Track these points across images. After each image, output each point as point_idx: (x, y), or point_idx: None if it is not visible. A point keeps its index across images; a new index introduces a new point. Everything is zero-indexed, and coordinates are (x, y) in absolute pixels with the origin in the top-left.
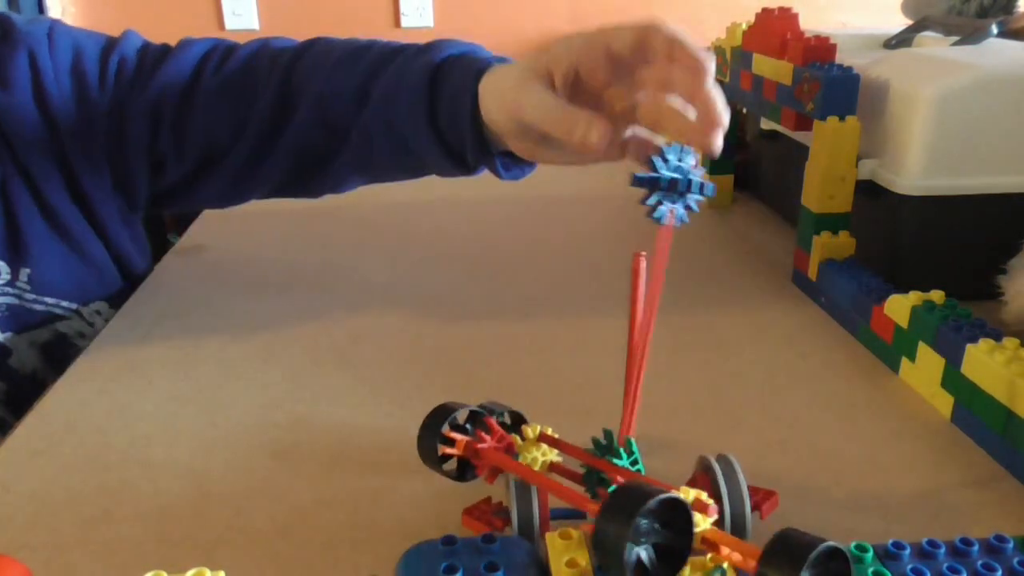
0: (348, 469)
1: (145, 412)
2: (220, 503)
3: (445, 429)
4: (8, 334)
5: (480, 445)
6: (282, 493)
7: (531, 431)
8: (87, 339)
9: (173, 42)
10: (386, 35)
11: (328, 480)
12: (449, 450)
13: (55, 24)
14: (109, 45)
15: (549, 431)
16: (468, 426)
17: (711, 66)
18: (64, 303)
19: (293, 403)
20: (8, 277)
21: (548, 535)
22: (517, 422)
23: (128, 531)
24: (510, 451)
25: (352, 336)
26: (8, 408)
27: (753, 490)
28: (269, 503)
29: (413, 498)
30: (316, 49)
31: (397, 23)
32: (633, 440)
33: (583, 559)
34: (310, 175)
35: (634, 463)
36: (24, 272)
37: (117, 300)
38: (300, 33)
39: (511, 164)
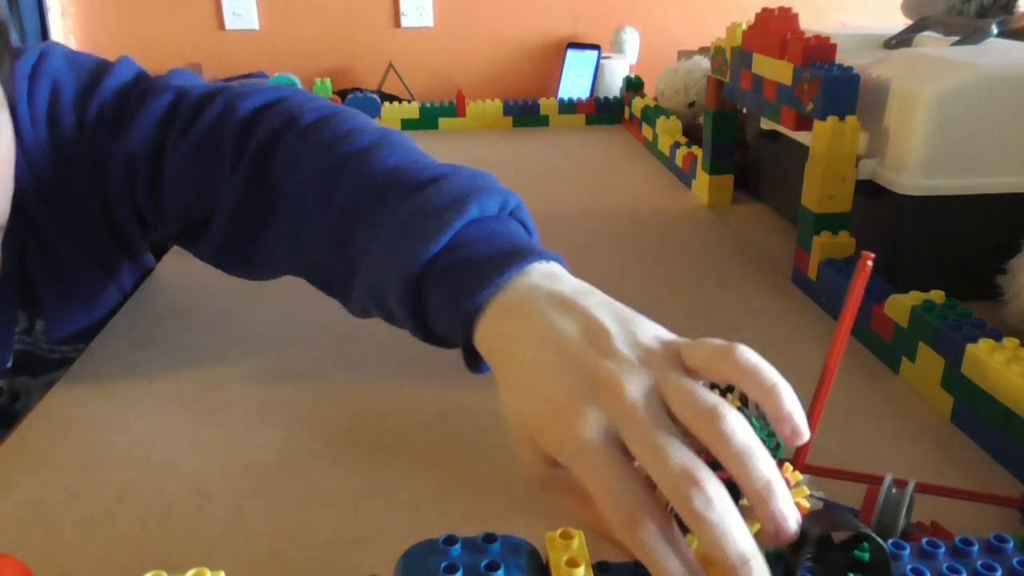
0: (348, 469)
1: (145, 412)
2: (220, 503)
3: None
4: (23, 378)
5: None
6: (282, 493)
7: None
8: None
9: (175, 44)
10: (386, 35)
11: (328, 480)
12: None
13: (41, 59)
14: (90, 85)
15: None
16: None
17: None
18: (80, 346)
19: (293, 403)
20: (25, 325)
21: (548, 535)
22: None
23: (128, 531)
24: None
25: (353, 335)
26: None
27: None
28: (269, 503)
29: (413, 498)
30: (288, 145)
31: (397, 23)
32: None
33: (583, 559)
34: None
35: (770, 435)
36: (39, 323)
37: None
38: (300, 33)
39: None
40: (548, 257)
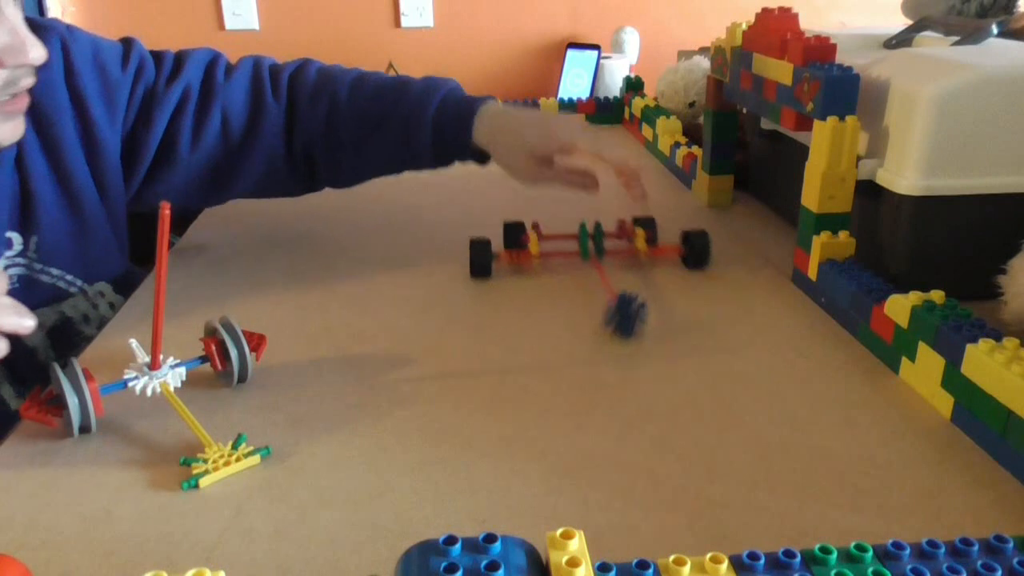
0: (349, 469)
1: (145, 411)
2: (220, 503)
3: None
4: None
5: None
6: (282, 493)
7: None
8: (91, 323)
9: (175, 44)
10: (386, 35)
11: (328, 480)
12: None
13: (67, 24)
14: (124, 45)
15: None
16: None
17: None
18: (68, 276)
19: (292, 403)
20: (20, 247)
21: (548, 535)
22: None
23: (128, 531)
24: None
25: (353, 335)
26: (3, 372)
27: (248, 335)
28: (269, 503)
29: (413, 498)
30: (314, 67)
31: (397, 23)
32: None
33: (583, 559)
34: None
35: None
36: (33, 240)
37: (120, 284)
38: (300, 33)
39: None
40: (490, 99)
